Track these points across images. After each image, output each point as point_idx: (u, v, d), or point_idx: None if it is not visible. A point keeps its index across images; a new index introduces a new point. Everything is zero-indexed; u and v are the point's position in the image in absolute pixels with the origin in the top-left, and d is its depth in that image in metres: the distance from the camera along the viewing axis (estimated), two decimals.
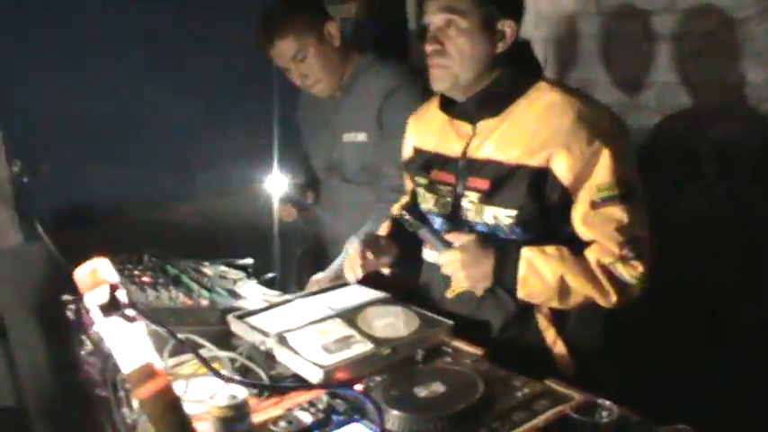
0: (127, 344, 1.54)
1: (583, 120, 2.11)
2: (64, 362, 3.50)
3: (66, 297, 2.62)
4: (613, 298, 2.10)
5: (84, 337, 2.32)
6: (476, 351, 2.03)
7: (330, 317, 2.21)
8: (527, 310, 2.23)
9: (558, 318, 2.24)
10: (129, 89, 4.13)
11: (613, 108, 3.21)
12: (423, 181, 2.39)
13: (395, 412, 1.69)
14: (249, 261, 2.74)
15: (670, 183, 3.40)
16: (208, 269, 2.67)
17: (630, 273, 2.10)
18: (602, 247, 2.10)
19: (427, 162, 2.38)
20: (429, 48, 2.21)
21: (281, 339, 2.06)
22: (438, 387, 1.79)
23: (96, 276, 1.57)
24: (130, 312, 1.55)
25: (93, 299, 1.55)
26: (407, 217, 2.23)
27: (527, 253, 2.11)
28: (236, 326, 2.22)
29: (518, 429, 1.65)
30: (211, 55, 4.41)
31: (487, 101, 2.23)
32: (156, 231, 3.93)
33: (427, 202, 2.37)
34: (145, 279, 2.53)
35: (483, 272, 2.14)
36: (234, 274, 2.64)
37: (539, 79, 2.24)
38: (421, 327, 2.14)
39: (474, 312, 2.28)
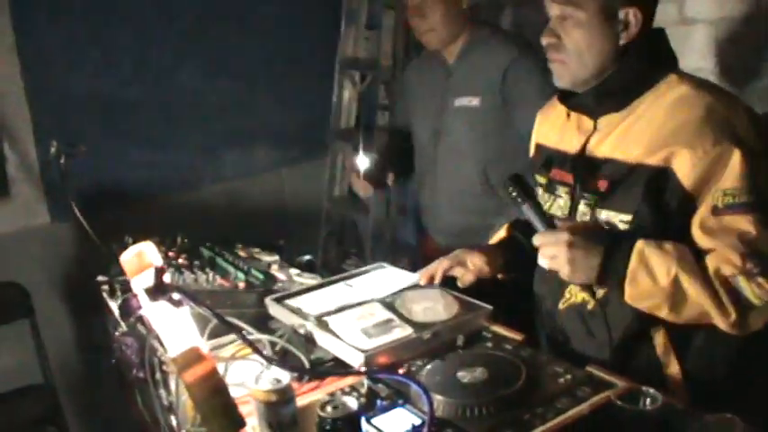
0: (173, 327, 1.54)
1: (712, 116, 1.90)
2: (93, 342, 3.54)
3: (99, 278, 2.65)
4: (732, 316, 1.79)
5: (119, 318, 2.33)
6: (516, 336, 2.02)
7: (369, 300, 2.20)
8: (644, 327, 2.01)
9: (679, 341, 2.01)
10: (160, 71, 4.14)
11: None
12: (542, 180, 2.23)
13: (439, 397, 1.68)
14: (281, 242, 2.74)
15: None
16: (241, 251, 2.67)
17: (755, 291, 1.79)
18: (723, 256, 1.82)
19: (548, 159, 2.22)
20: (544, 41, 2.06)
21: (321, 323, 2.05)
22: (481, 372, 1.78)
23: (142, 260, 1.56)
24: (176, 296, 1.55)
25: (140, 282, 1.55)
26: (511, 188, 1.97)
27: (641, 245, 1.84)
28: (274, 309, 2.22)
29: (563, 416, 1.64)
30: (243, 36, 4.41)
31: (610, 94, 2.04)
32: (185, 213, 3.95)
33: (546, 202, 2.17)
34: (181, 261, 2.54)
35: (589, 261, 1.86)
36: (268, 256, 2.64)
37: (670, 72, 2.03)
38: (460, 311, 2.13)
39: (587, 327, 2.10)
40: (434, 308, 2.13)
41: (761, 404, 2.01)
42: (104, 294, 2.57)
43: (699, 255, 1.85)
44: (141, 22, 4.05)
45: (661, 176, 1.90)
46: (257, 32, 4.53)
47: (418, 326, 2.03)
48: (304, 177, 4.73)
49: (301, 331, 2.05)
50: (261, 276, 2.45)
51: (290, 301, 2.24)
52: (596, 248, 1.86)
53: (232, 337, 1.98)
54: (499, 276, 2.35)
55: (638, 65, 2.01)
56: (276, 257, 2.62)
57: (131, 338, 2.26)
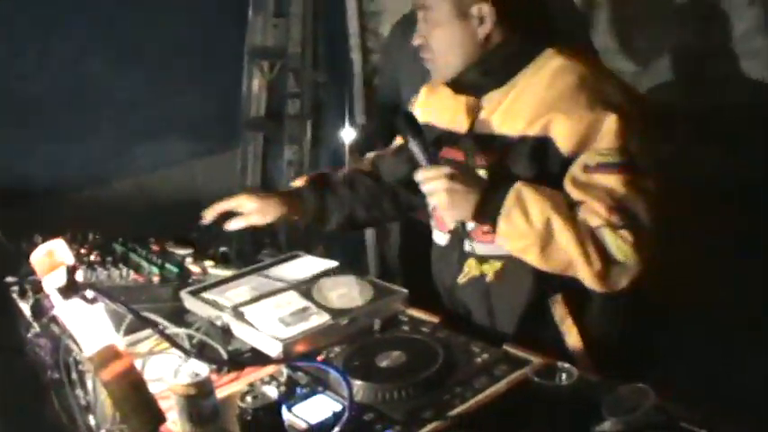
0: (88, 326, 1.52)
1: (585, 84, 2.00)
2: (3, 345, 3.46)
3: (9, 279, 2.59)
4: (597, 265, 1.88)
5: (31, 320, 2.29)
6: (432, 319, 2.05)
7: (285, 289, 2.21)
8: (542, 298, 2.08)
9: (575, 311, 2.07)
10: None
11: None
12: None
13: (358, 382, 1.70)
14: (194, 235, 2.71)
15: None
16: (154, 245, 2.65)
17: (618, 243, 1.88)
18: (590, 208, 1.91)
19: (437, 139, 2.26)
20: (415, 43, 2.17)
21: (238, 314, 2.06)
22: (399, 356, 1.81)
23: (53, 258, 1.54)
24: (90, 294, 1.53)
25: (52, 282, 1.53)
26: (402, 123, 2.07)
27: (519, 185, 1.93)
28: (189, 302, 2.21)
29: (482, 394, 1.68)
30: (153, 25, 4.34)
31: (490, 73, 2.12)
32: (97, 208, 3.88)
33: None
34: (93, 258, 2.50)
35: (467, 196, 1.93)
36: (182, 249, 2.62)
37: (547, 47, 2.12)
38: (376, 296, 2.15)
39: (486, 301, 2.16)
40: (350, 294, 2.15)
41: (661, 371, 2.08)
42: (14, 296, 2.51)
43: (571, 206, 1.93)
44: (45, 10, 3.96)
45: (542, 145, 1.98)
46: (167, 21, 4.47)
47: (335, 312, 2.05)
48: (217, 169, 4.69)
49: (218, 323, 2.05)
50: (175, 270, 2.44)
51: (206, 294, 2.23)
52: (476, 185, 1.95)
53: (149, 332, 1.97)
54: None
55: (516, 40, 2.10)
56: (190, 250, 2.60)
57: (45, 339, 2.22)
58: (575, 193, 1.94)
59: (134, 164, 4.33)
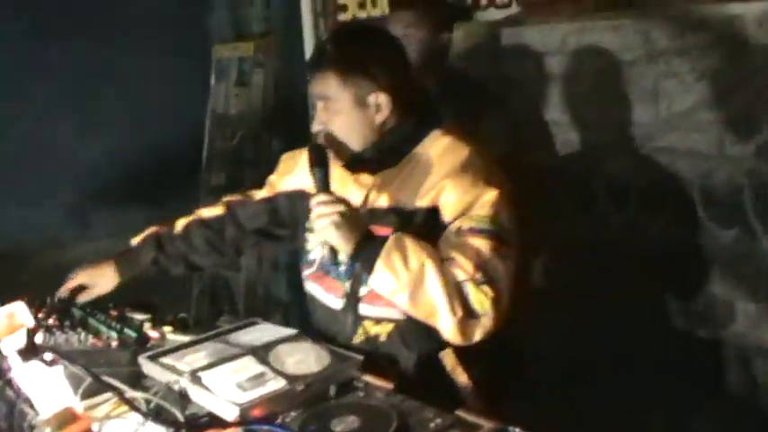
0: (46, 388, 1.54)
1: (471, 162, 2.24)
2: None
3: None
4: (459, 314, 2.06)
5: None
6: (387, 385, 2.08)
7: (242, 355, 2.23)
8: (433, 352, 2.26)
9: (464, 358, 2.25)
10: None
11: (507, 148, 3.38)
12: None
13: None
14: (153, 301, 2.73)
15: (567, 215, 3.54)
16: (113, 310, 2.66)
17: (480, 298, 2.08)
18: (458, 263, 2.10)
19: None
20: (315, 129, 2.35)
21: (195, 378, 2.07)
22: (353, 421, 1.84)
23: (13, 320, 1.57)
24: (49, 356, 1.56)
25: (11, 344, 1.55)
26: (311, 151, 2.26)
27: (400, 234, 2.15)
28: (147, 366, 2.22)
29: None
30: (117, 92, 4.40)
31: (385, 152, 2.32)
32: (56, 273, 3.86)
33: (326, 250, 2.33)
34: (50, 322, 2.51)
35: (352, 232, 2.13)
36: (140, 314, 2.64)
37: (435, 127, 2.34)
38: (332, 362, 2.17)
39: (380, 358, 2.30)
40: (306, 360, 2.17)
41: None
42: None
43: (443, 260, 2.12)
44: (13, 75, 4.00)
45: (431, 214, 2.21)
46: (133, 88, 4.54)
47: (291, 378, 2.06)
48: None
49: (175, 387, 2.05)
50: (134, 335, 2.44)
51: (164, 359, 2.23)
52: (363, 226, 2.18)
53: (106, 396, 1.97)
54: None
55: (408, 123, 2.32)
56: (148, 316, 2.62)
57: None
58: (444, 251, 2.14)
59: (92, 229, 4.34)
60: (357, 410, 1.89)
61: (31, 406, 1.94)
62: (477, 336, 2.11)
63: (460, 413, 1.89)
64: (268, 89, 4.72)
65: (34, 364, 1.54)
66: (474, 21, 3.81)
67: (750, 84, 2.95)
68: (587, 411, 3.41)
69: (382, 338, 2.31)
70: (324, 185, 2.20)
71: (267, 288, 4.60)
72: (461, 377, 2.25)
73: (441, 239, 2.18)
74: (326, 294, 2.44)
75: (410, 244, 2.11)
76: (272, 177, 2.70)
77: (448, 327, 2.09)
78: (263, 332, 2.43)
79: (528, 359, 2.83)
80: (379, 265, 2.10)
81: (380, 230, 2.23)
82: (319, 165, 2.22)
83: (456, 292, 2.07)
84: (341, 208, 2.14)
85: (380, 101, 2.27)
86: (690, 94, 3.12)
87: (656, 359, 3.35)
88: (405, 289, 2.09)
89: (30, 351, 1.55)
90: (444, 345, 2.22)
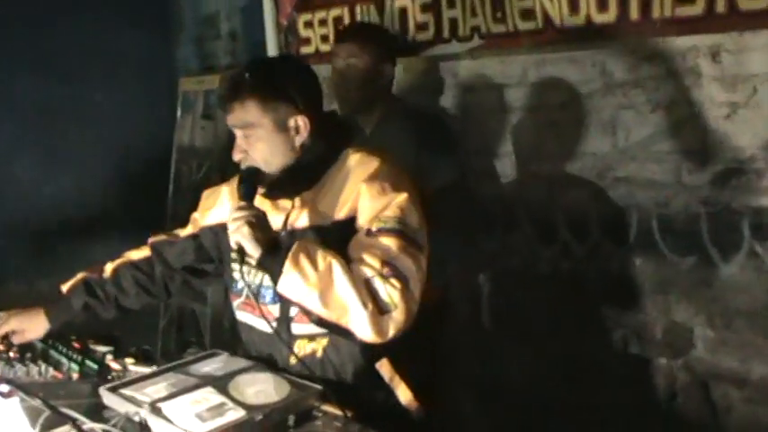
0: (3, 420, 1.55)
1: (381, 171, 2.32)
2: None
3: None
4: (370, 308, 2.11)
5: None
6: (345, 413, 2.10)
7: (202, 385, 2.24)
8: (370, 363, 2.32)
9: (398, 363, 2.33)
10: None
11: (470, 176, 3.43)
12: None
13: None
14: (116, 334, 2.74)
15: (527, 246, 3.59)
16: (75, 343, 2.66)
17: (389, 291, 2.13)
18: (365, 261, 2.17)
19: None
20: (236, 158, 2.39)
21: (155, 409, 2.07)
22: None
23: None
24: (5, 388, 1.57)
25: None
26: (243, 173, 2.35)
27: (306, 240, 2.25)
28: (108, 398, 2.22)
29: None
30: (81, 126, 4.41)
31: (301, 174, 2.39)
32: (17, 307, 3.87)
33: (253, 277, 2.44)
34: (11, 355, 2.51)
35: (262, 234, 2.20)
36: (103, 346, 2.64)
37: (346, 147, 2.43)
38: (291, 392, 2.19)
39: (321, 373, 2.34)
40: (266, 390, 2.18)
41: None
42: None
43: (349, 262, 2.19)
44: None
45: (350, 223, 2.29)
46: (96, 120, 4.55)
47: (251, 408, 2.08)
48: None
49: (135, 419, 2.06)
50: (95, 367, 2.45)
51: (125, 390, 2.24)
52: (274, 234, 2.26)
53: (65, 428, 1.97)
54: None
55: (320, 146, 2.39)
56: (111, 348, 2.62)
57: None
58: (354, 252, 2.22)
59: (56, 264, 4.33)
60: None
61: None
62: (392, 331, 2.15)
63: None
64: None
65: None
66: (419, 56, 3.91)
67: (705, 114, 3.02)
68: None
69: (319, 354, 2.35)
70: (246, 197, 2.29)
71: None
72: (399, 386, 2.32)
73: (350, 243, 2.25)
74: (257, 320, 2.46)
75: (316, 247, 2.19)
76: (194, 215, 2.76)
77: (361, 323, 2.13)
78: (224, 363, 2.45)
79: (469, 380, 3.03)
80: (287, 266, 2.15)
81: None
82: (246, 181, 2.33)
83: (365, 289, 2.12)
84: (255, 212, 2.23)
85: (299, 123, 2.34)
86: (646, 125, 3.19)
87: (615, 385, 3.40)
88: (314, 289, 2.13)
89: None
90: (379, 354, 2.30)
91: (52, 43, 4.45)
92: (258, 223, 2.21)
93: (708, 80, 3.01)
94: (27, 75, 4.33)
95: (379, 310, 2.13)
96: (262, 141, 2.33)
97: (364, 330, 2.14)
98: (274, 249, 2.20)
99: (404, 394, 2.33)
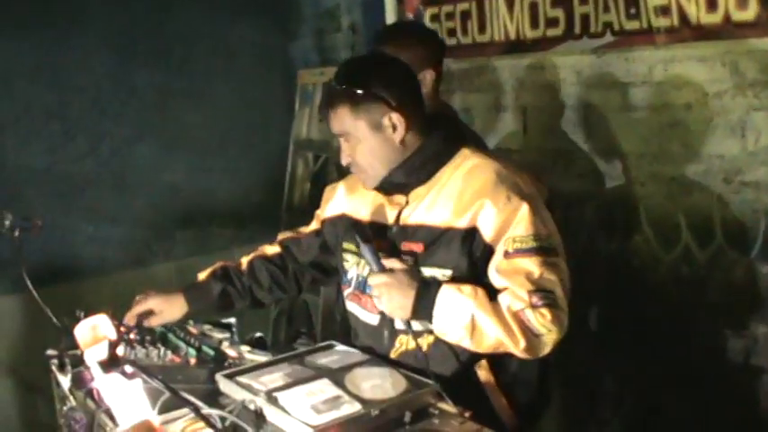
0: (125, 400, 1.56)
1: (502, 179, 2.30)
2: (38, 420, 3.49)
3: (49, 351, 2.63)
4: (522, 344, 2.15)
5: (68, 393, 2.33)
6: (463, 412, 2.06)
7: (318, 377, 2.23)
8: (470, 363, 2.33)
9: (498, 372, 2.34)
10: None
11: (591, 176, 3.35)
12: (353, 248, 2.51)
13: None
14: (232, 320, 2.76)
15: (648, 250, 3.49)
16: (193, 328, 2.69)
17: (541, 321, 2.15)
18: (513, 293, 2.17)
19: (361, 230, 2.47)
20: (344, 163, 2.44)
21: (271, 398, 2.08)
22: None
23: (96, 332, 1.60)
24: (129, 369, 1.58)
25: (93, 355, 1.58)
26: (357, 232, 2.35)
27: (445, 288, 2.21)
28: (224, 384, 2.24)
29: None
30: (200, 114, 4.47)
31: (415, 170, 2.39)
32: (137, 289, 3.94)
33: (361, 268, 2.49)
34: (131, 337, 2.55)
35: (404, 299, 2.22)
36: (219, 333, 2.67)
37: (462, 147, 2.42)
38: (408, 388, 2.17)
39: (423, 368, 2.29)
40: (383, 385, 2.16)
41: None
42: (54, 368, 2.55)
43: (495, 292, 2.21)
44: (99, 96, 4.09)
45: (470, 235, 2.27)
46: (214, 110, 4.61)
47: (367, 402, 2.06)
48: None
49: (251, 407, 2.07)
50: (212, 353, 2.47)
51: (241, 378, 2.25)
52: (410, 290, 2.23)
53: (182, 412, 1.99)
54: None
55: (437, 141, 2.40)
56: (227, 334, 2.65)
57: (80, 414, 2.26)
58: (498, 280, 2.22)
59: (175, 248, 4.41)
60: None
61: (111, 417, 1.98)
62: (547, 349, 2.21)
63: None
64: None
65: (114, 375, 1.56)
66: (546, 53, 3.85)
67: None
68: None
69: (424, 349, 2.33)
70: (377, 262, 2.28)
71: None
72: (494, 392, 2.34)
73: (491, 267, 2.25)
74: (364, 312, 2.52)
75: (455, 297, 2.19)
76: (317, 211, 2.79)
77: (516, 352, 2.19)
78: (340, 355, 2.44)
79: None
80: (436, 326, 2.22)
81: (412, 246, 2.36)
82: (368, 241, 2.31)
83: (515, 322, 2.15)
84: (388, 280, 2.24)
85: (395, 121, 2.33)
86: None
87: (734, 398, 3.28)
88: (464, 338, 2.19)
89: (111, 363, 1.57)
90: (481, 356, 2.31)
91: (171, 33, 4.52)
92: (392, 291, 2.23)
93: None
94: (146, 64, 4.40)
95: (532, 338, 2.16)
96: (361, 144, 2.35)
97: (522, 355, 2.20)
98: (419, 305, 2.22)
99: (498, 401, 2.35)
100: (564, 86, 3.81)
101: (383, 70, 2.42)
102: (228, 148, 4.74)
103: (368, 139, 2.34)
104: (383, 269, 2.27)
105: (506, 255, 2.22)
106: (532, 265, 2.19)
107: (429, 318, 2.21)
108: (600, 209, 3.71)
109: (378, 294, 2.26)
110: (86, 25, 4.18)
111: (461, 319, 2.16)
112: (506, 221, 2.23)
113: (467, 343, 2.20)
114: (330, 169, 4.83)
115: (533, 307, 2.15)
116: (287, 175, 4.93)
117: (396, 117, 2.33)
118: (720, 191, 3.27)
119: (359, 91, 2.32)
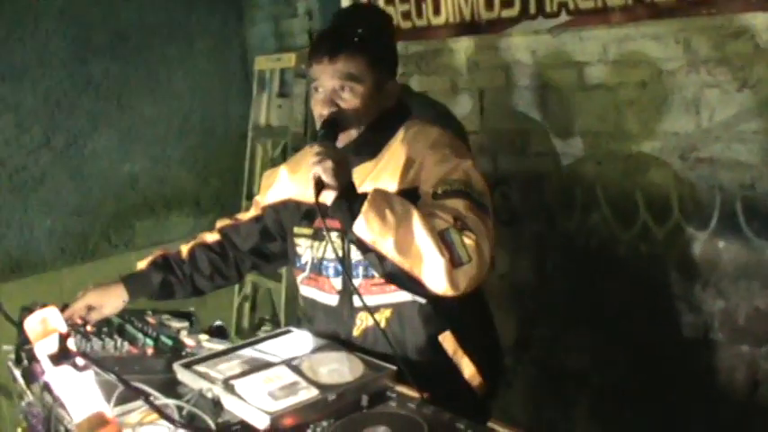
0: (77, 393, 1.56)
1: (442, 140, 2.33)
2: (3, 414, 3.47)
3: (5, 347, 2.61)
4: (446, 256, 1.99)
5: (24, 387, 2.31)
6: (419, 395, 2.07)
7: (275, 364, 2.23)
8: (433, 335, 2.34)
9: (464, 341, 2.36)
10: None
11: (548, 156, 3.37)
12: (307, 231, 2.49)
13: None
14: (191, 310, 2.75)
15: (607, 227, 3.52)
16: (151, 318, 2.68)
17: (464, 242, 2.02)
18: (437, 215, 2.06)
19: (309, 212, 2.46)
20: (324, 110, 2.31)
21: (228, 386, 2.07)
22: (384, 431, 1.83)
23: (46, 325, 1.59)
24: (80, 361, 1.57)
25: (44, 348, 1.57)
26: (325, 124, 2.28)
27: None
28: (182, 374, 2.23)
29: None
30: (157, 105, 4.44)
31: (364, 146, 2.36)
32: (97, 281, 3.93)
33: (315, 251, 2.45)
34: (88, 329, 2.53)
35: (345, 171, 2.11)
36: (178, 322, 2.66)
37: (406, 119, 2.43)
38: (365, 372, 2.17)
39: (384, 346, 2.25)
40: (340, 369, 2.17)
41: None
42: (10, 364, 2.53)
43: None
44: (53, 88, 4.06)
45: (412, 195, 2.21)
46: (171, 99, 4.58)
47: (324, 387, 2.06)
48: None
49: (208, 395, 2.06)
50: (170, 342, 2.47)
51: (198, 366, 2.25)
52: (351, 177, 2.15)
53: (139, 403, 1.98)
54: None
55: (384, 117, 2.38)
56: (186, 324, 2.64)
57: (37, 408, 2.24)
58: (423, 211, 2.08)
59: (135, 238, 4.38)
60: (388, 421, 1.89)
61: (67, 410, 1.97)
62: (464, 283, 2.05)
63: (493, 424, 1.88)
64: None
65: (65, 368, 1.55)
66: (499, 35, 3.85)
67: None
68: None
69: (382, 325, 2.28)
70: (329, 138, 2.23)
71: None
72: (463, 360, 2.36)
73: (417, 205, 2.12)
74: (321, 293, 2.48)
75: (393, 195, 2.13)
76: (256, 197, 2.75)
77: (436, 273, 2.02)
78: (298, 341, 2.44)
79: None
80: (366, 207, 2.04)
81: None
82: (330, 125, 2.26)
83: (440, 239, 2.02)
84: (340, 153, 2.15)
85: (394, 89, 2.37)
86: (732, 104, 3.09)
87: (694, 373, 3.32)
88: (391, 232, 2.02)
89: (61, 356, 1.56)
90: (442, 327, 2.32)
91: (126, 22, 4.49)
92: (342, 162, 2.11)
93: None
94: (101, 54, 4.37)
95: (454, 261, 2.02)
96: (359, 98, 2.30)
97: (438, 281, 2.03)
98: (354, 189, 2.13)
99: (467, 368, 2.37)
100: (520, 67, 3.82)
101: (394, 38, 2.53)
102: (186, 136, 4.71)
103: (366, 95, 2.30)
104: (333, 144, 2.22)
105: (435, 195, 2.16)
106: (461, 205, 2.11)
107: (362, 198, 2.06)
108: (558, 188, 3.73)
109: (320, 152, 2.09)
110: (39, 14, 4.13)
111: (396, 209, 2.04)
112: (446, 174, 2.20)
113: (389, 243, 2.02)
114: (289, 155, 4.81)
115: (457, 228, 2.04)
116: (246, 163, 4.91)
117: (394, 86, 2.38)
118: (677, 168, 3.30)
119: (383, 49, 2.38)
